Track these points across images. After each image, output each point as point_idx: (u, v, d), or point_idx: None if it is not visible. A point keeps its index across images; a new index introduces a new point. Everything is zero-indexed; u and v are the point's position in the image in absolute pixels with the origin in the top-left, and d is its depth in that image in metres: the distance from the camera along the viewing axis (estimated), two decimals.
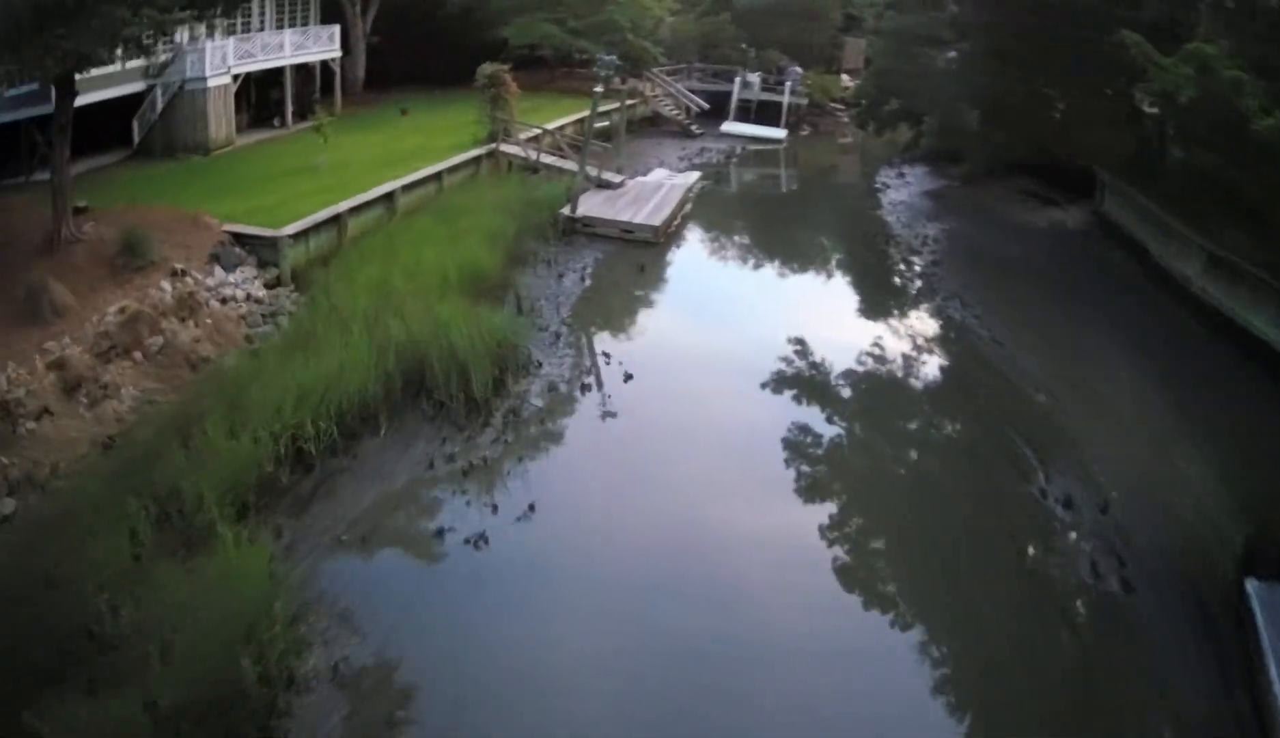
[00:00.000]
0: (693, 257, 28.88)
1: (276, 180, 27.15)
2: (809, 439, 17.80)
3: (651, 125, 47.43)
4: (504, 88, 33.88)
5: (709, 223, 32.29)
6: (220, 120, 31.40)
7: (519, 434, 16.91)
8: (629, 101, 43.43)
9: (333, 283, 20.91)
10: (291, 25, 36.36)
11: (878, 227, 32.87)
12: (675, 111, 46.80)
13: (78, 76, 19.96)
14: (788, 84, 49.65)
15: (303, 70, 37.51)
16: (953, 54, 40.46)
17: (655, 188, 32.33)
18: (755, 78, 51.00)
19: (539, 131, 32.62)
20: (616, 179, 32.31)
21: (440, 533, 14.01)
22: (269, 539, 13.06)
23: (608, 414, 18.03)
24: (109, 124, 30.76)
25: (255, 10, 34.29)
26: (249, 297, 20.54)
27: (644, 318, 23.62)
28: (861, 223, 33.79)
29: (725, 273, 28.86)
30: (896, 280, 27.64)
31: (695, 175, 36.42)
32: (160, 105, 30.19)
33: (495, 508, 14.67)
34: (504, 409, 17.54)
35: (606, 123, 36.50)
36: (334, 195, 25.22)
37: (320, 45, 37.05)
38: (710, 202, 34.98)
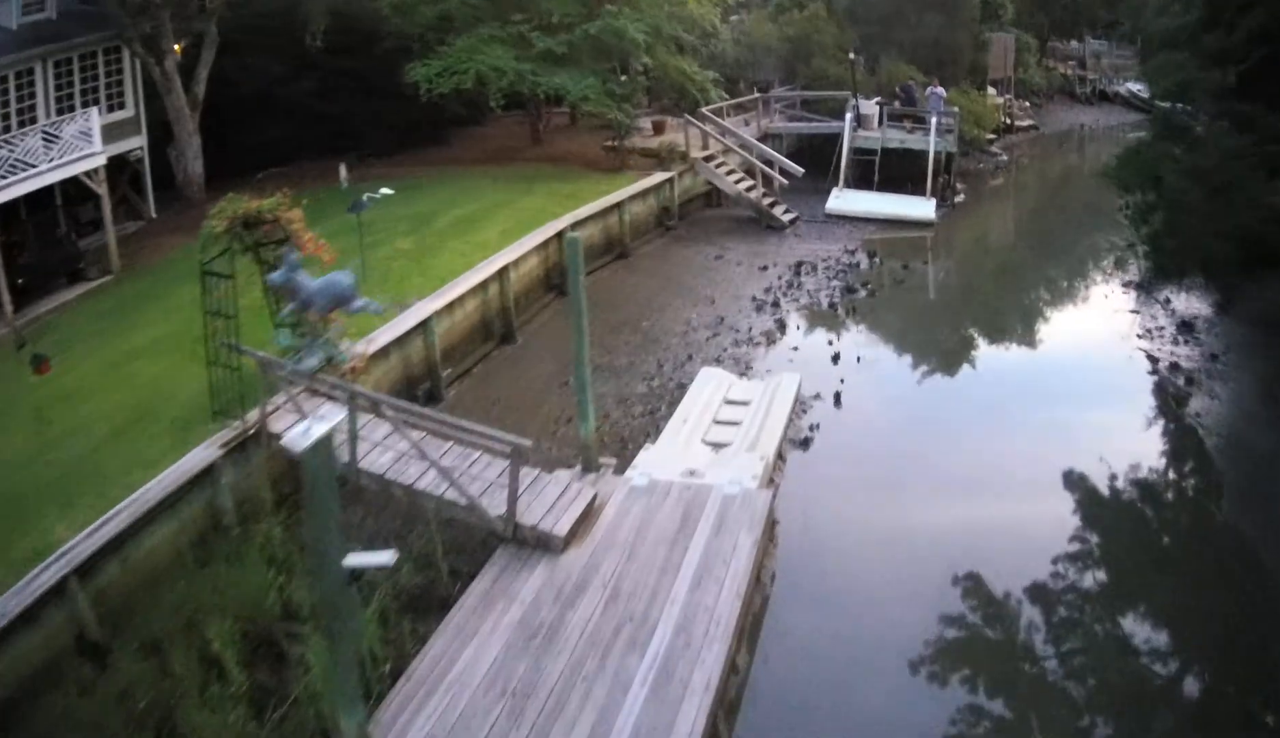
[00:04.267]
0: None
1: None
2: None
3: (708, 206, 25.25)
4: (292, 241, 12.23)
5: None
6: None
7: None
8: (662, 176, 21.64)
9: None
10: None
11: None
12: (745, 184, 24.26)
13: None
14: (933, 120, 26.59)
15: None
16: None
17: (670, 538, 10.42)
18: (873, 108, 28.17)
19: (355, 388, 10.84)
20: (555, 533, 10.42)
21: None
22: None
23: None
24: None
25: None
26: None
27: None
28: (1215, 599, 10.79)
29: None
30: None
31: (790, 391, 14.11)
32: None
33: None
34: None
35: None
36: None
37: (59, 156, 16.52)
38: (826, 508, 12.61)
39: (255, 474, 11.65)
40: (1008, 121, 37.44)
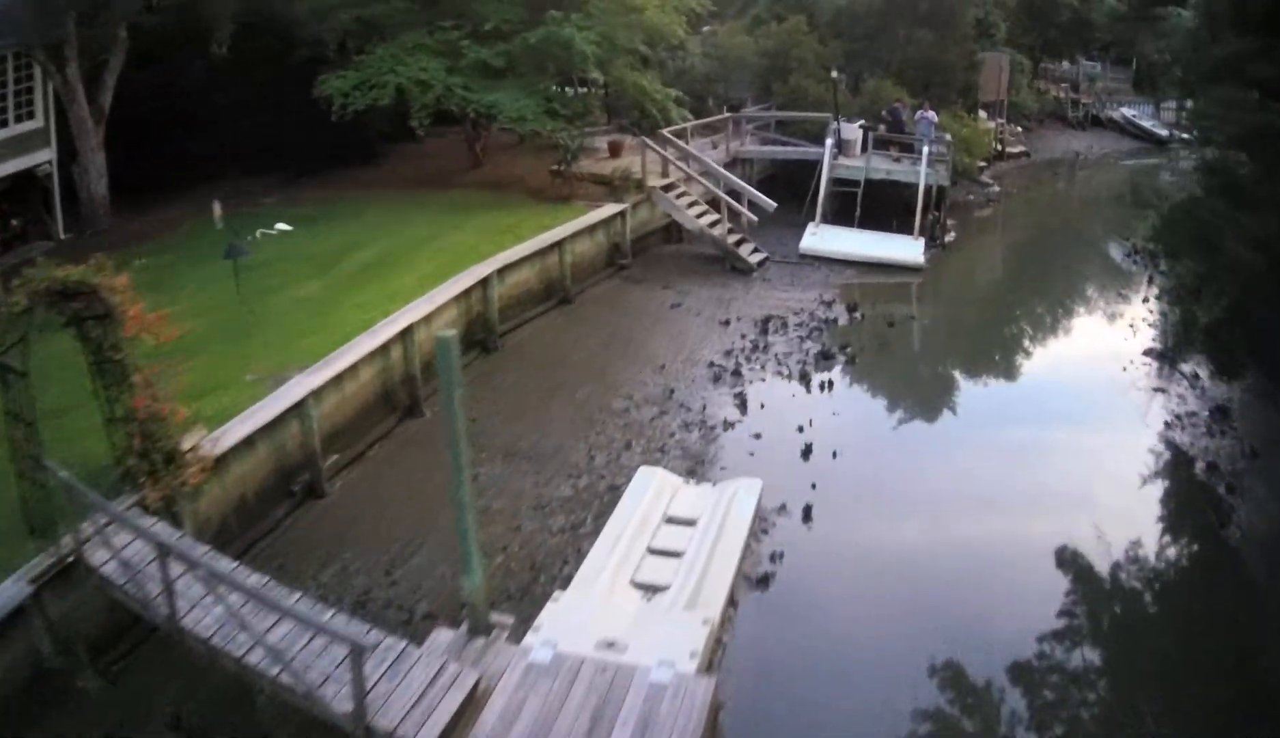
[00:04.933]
0: None
1: None
2: None
3: (667, 241, 22.50)
4: (114, 315, 9.36)
5: None
6: None
7: None
8: (614, 208, 18.86)
9: None
10: None
11: None
12: (709, 218, 21.51)
13: None
14: (926, 149, 24.02)
15: None
16: None
17: None
18: (856, 132, 25.58)
19: None
20: None
21: None
22: None
23: None
24: None
25: None
26: None
27: None
28: None
29: None
30: None
31: (747, 504, 11.42)
32: None
33: None
34: None
35: None
36: None
37: None
38: None
39: (72, 614, 9.06)
40: (999, 148, 35.06)
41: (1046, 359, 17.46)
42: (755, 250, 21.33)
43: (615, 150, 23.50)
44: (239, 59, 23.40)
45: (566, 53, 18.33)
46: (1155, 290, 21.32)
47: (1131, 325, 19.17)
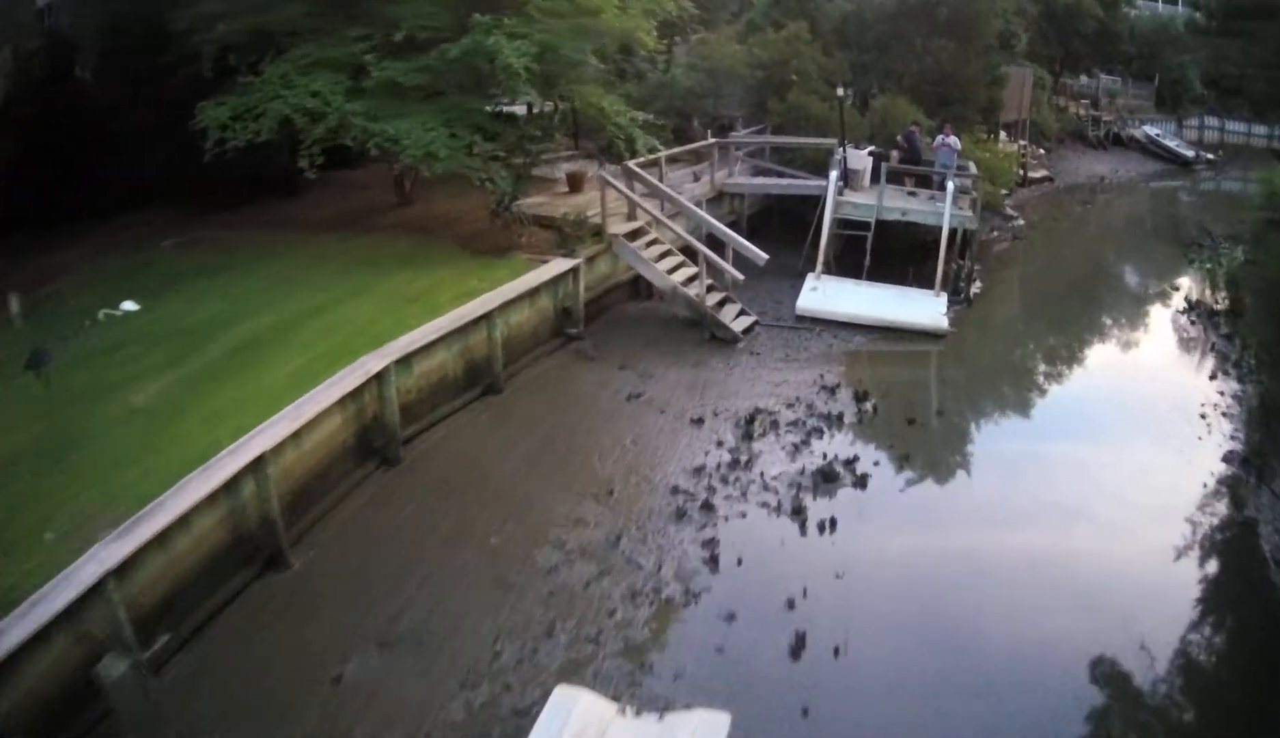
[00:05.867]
0: None
1: None
2: None
3: (634, 297, 18.66)
4: None
5: None
6: None
7: None
8: (562, 265, 14.92)
9: None
10: None
11: None
12: (685, 274, 17.61)
13: None
14: (951, 185, 20.19)
15: None
16: None
17: None
18: (865, 160, 21.77)
19: None
20: None
21: None
22: None
23: None
24: None
25: None
26: None
27: None
28: None
29: None
30: None
31: None
32: None
33: None
34: None
35: None
36: None
37: None
38: None
39: None
40: (1021, 173, 31.35)
41: (1113, 475, 13.29)
42: (741, 313, 17.44)
43: (575, 184, 19.59)
44: (145, 77, 19.81)
45: (486, 65, 14.38)
46: (1216, 358, 17.96)
47: (1204, 415, 15.39)
